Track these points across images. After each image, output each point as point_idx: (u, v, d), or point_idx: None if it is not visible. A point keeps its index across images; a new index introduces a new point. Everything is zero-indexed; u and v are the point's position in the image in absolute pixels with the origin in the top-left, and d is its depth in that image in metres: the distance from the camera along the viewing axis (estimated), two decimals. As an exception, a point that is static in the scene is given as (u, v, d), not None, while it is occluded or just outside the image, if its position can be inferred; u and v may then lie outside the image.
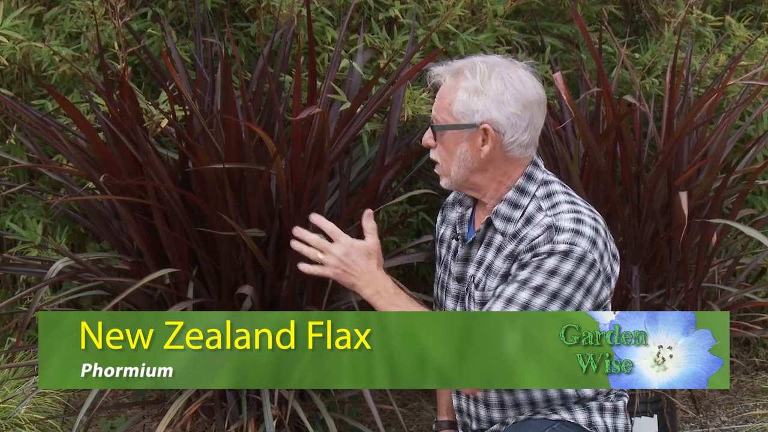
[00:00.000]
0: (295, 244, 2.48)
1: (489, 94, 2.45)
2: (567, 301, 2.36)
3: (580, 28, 3.83)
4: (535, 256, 2.39)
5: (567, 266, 2.37)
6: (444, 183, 2.55)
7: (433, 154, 2.54)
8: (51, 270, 3.33)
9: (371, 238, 2.47)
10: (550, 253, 2.38)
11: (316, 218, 2.50)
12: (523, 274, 2.38)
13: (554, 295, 2.35)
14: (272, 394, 3.29)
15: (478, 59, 2.51)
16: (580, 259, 2.37)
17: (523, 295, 2.36)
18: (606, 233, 2.45)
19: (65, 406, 3.76)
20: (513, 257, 2.44)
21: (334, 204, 3.55)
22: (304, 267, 2.48)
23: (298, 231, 2.48)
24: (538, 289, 2.36)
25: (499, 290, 2.41)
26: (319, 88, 3.48)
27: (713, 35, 4.38)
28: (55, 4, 3.97)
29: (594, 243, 2.39)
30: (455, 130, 2.47)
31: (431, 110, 2.56)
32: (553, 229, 2.41)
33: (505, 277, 2.44)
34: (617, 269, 2.48)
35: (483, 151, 2.47)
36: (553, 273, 2.37)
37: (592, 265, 2.38)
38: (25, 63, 3.82)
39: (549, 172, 2.54)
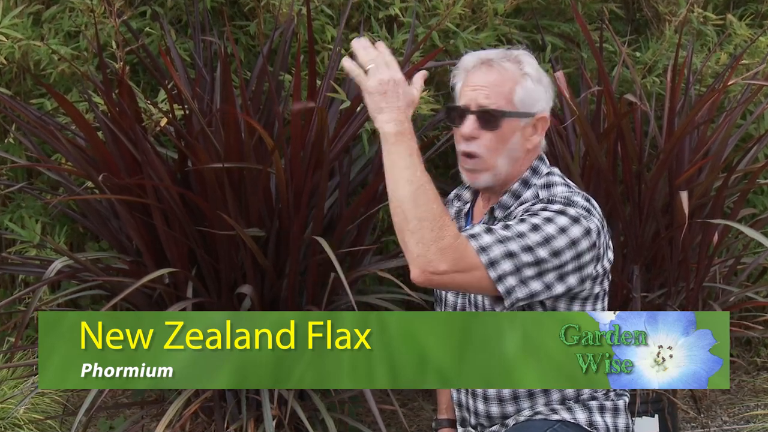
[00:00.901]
0: (354, 45, 2.24)
1: (544, 83, 2.42)
2: (557, 253, 2.28)
3: (580, 26, 3.82)
4: (527, 211, 2.34)
5: (562, 220, 2.31)
6: (483, 180, 2.42)
7: (475, 147, 2.40)
8: (50, 269, 3.33)
9: (417, 93, 2.27)
10: (546, 209, 2.33)
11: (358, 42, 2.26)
12: (521, 219, 2.32)
13: (547, 240, 2.28)
14: (272, 394, 3.28)
15: (515, 50, 2.45)
16: (575, 219, 2.31)
17: (522, 228, 2.29)
18: (602, 219, 2.40)
19: (64, 406, 3.75)
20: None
21: (334, 203, 3.54)
22: (348, 62, 2.24)
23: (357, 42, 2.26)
24: (535, 228, 2.29)
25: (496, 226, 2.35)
26: (318, 86, 3.47)
27: (714, 34, 4.37)
28: (54, 2, 3.96)
29: (589, 212, 2.35)
30: (513, 119, 2.38)
31: (478, 98, 2.39)
32: (546, 200, 2.37)
33: None
34: (611, 255, 2.43)
35: (531, 142, 2.41)
36: (549, 220, 2.31)
37: (587, 231, 2.32)
38: (24, 62, 3.82)
39: (553, 167, 2.51)
